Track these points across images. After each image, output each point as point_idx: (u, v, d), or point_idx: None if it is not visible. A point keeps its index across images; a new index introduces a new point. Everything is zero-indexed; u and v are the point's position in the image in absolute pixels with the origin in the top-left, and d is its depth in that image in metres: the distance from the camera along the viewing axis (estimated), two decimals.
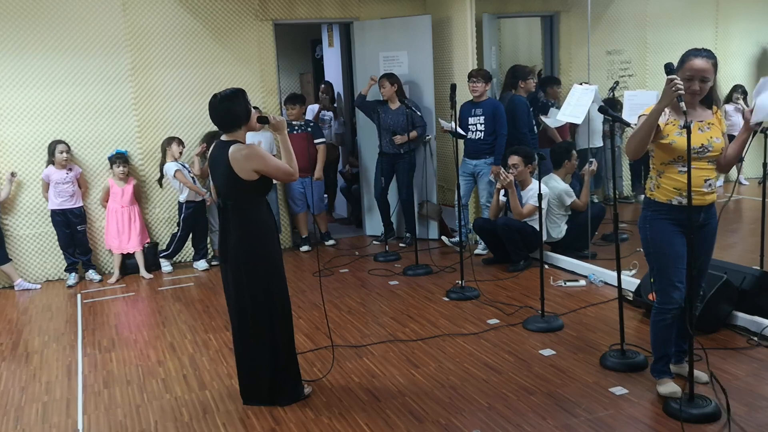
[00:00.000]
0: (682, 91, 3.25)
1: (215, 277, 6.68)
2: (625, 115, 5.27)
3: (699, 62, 3.41)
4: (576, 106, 6.06)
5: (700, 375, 3.79)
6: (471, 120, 6.70)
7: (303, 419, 3.71)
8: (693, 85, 3.42)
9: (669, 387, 3.67)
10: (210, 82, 7.06)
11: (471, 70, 6.75)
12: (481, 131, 6.67)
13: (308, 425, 3.64)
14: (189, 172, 6.86)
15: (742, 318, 4.50)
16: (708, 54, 3.44)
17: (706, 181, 3.50)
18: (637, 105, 5.27)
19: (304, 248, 7.49)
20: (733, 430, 3.30)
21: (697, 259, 3.60)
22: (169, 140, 6.81)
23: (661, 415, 3.52)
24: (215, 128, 6.55)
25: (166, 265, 6.93)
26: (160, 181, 6.94)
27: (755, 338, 4.32)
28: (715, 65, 3.44)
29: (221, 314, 5.52)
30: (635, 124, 4.19)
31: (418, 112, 6.91)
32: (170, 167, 6.74)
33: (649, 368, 3.95)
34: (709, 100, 3.55)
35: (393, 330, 4.98)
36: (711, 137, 3.49)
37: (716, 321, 4.47)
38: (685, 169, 3.36)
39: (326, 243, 7.70)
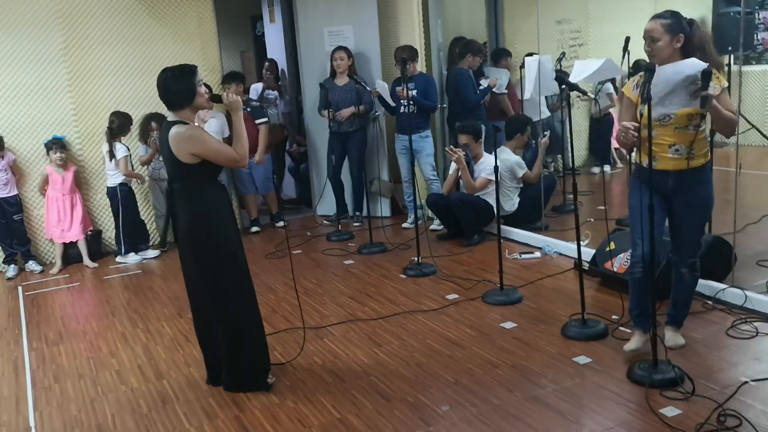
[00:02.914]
0: (633, 139, 3.47)
1: (164, 264, 6.48)
2: (572, 80, 5.28)
3: (648, 24, 3.56)
4: (530, 81, 6.08)
5: (676, 338, 3.87)
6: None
7: (267, 404, 3.62)
8: (645, 46, 3.57)
9: (632, 343, 3.79)
10: (148, 60, 6.77)
11: (395, 53, 6.63)
12: (413, 105, 6.60)
13: (273, 410, 3.55)
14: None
15: (698, 283, 4.57)
16: (661, 15, 3.53)
17: (671, 147, 3.55)
18: (583, 72, 5.27)
19: (254, 229, 7.32)
20: (696, 391, 3.35)
21: (677, 227, 3.71)
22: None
23: (625, 382, 3.55)
24: (152, 110, 6.58)
25: (132, 257, 6.57)
26: (111, 153, 6.44)
27: (710, 302, 4.41)
28: (666, 25, 3.49)
29: (173, 301, 5.35)
30: (594, 94, 4.25)
31: (368, 88, 6.80)
32: (122, 150, 6.41)
33: (611, 334, 4.09)
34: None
35: (352, 309, 4.91)
36: None
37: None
38: (654, 133, 3.44)
39: (276, 224, 7.54)
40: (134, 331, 4.82)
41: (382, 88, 6.64)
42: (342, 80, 6.94)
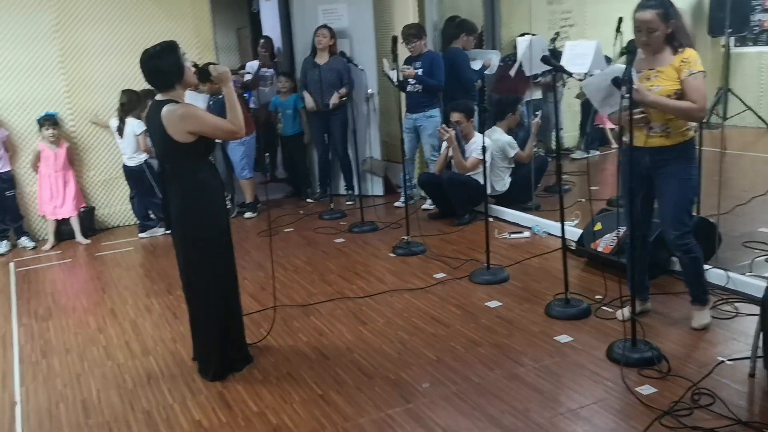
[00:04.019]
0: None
1: (155, 241, 6.51)
2: (564, 65, 5.26)
3: (640, 14, 3.53)
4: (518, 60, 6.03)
5: (700, 318, 3.89)
6: None
7: (251, 380, 3.66)
8: (641, 36, 3.55)
9: (626, 311, 3.88)
10: (141, 38, 6.71)
11: (402, 30, 6.59)
12: (419, 84, 6.58)
13: (256, 386, 3.60)
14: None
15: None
16: (652, 4, 3.49)
17: (646, 124, 3.59)
18: (576, 55, 5.26)
19: (248, 214, 7.23)
20: (673, 370, 3.39)
21: (659, 204, 3.77)
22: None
23: (604, 360, 3.59)
24: (144, 88, 6.51)
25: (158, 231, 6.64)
26: (121, 130, 6.47)
27: None
28: (662, 15, 3.48)
29: (163, 278, 5.39)
30: (579, 75, 4.30)
31: (360, 67, 6.77)
32: (138, 126, 6.35)
33: (593, 314, 4.16)
34: (673, 43, 3.56)
35: (340, 287, 4.94)
36: (653, 85, 3.55)
37: (656, 267, 4.55)
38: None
39: (245, 215, 7.10)
40: (123, 307, 4.86)
41: (387, 66, 6.59)
42: (322, 59, 6.94)
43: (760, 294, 4.05)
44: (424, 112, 6.65)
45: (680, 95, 3.53)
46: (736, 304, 4.09)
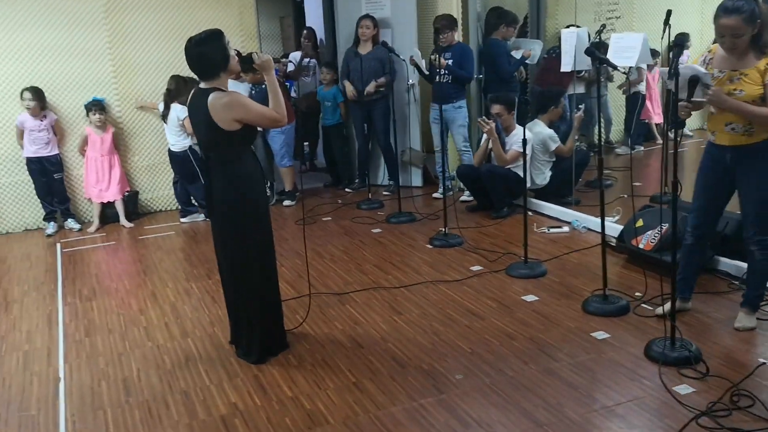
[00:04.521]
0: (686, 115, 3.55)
1: (196, 226, 6.62)
2: (610, 58, 5.18)
3: (724, 21, 3.43)
4: (567, 54, 5.96)
5: (745, 320, 3.83)
6: None
7: (286, 366, 3.71)
8: (725, 41, 3.49)
9: (664, 308, 3.89)
10: (187, 25, 6.83)
11: (434, 21, 6.59)
12: (449, 75, 6.56)
13: (291, 372, 3.64)
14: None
15: (724, 263, 4.53)
16: (738, 7, 3.36)
17: (727, 125, 3.58)
18: (623, 48, 5.17)
19: (287, 202, 7.26)
20: (713, 370, 3.34)
21: (741, 202, 3.72)
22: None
23: (641, 359, 3.55)
24: (190, 75, 6.62)
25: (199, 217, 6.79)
26: (165, 116, 6.60)
27: (736, 282, 4.35)
28: (747, 18, 3.36)
29: (203, 263, 5.47)
30: (624, 69, 4.27)
31: (402, 57, 6.76)
32: (182, 111, 6.38)
33: (632, 311, 4.11)
34: (758, 43, 3.46)
35: (376, 277, 4.96)
36: (735, 89, 3.49)
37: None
38: (714, 110, 3.59)
39: (284, 203, 7.16)
40: (164, 290, 4.96)
41: (417, 56, 6.62)
42: (365, 48, 6.95)
43: None
44: (452, 103, 6.63)
45: (765, 99, 3.45)
46: None
